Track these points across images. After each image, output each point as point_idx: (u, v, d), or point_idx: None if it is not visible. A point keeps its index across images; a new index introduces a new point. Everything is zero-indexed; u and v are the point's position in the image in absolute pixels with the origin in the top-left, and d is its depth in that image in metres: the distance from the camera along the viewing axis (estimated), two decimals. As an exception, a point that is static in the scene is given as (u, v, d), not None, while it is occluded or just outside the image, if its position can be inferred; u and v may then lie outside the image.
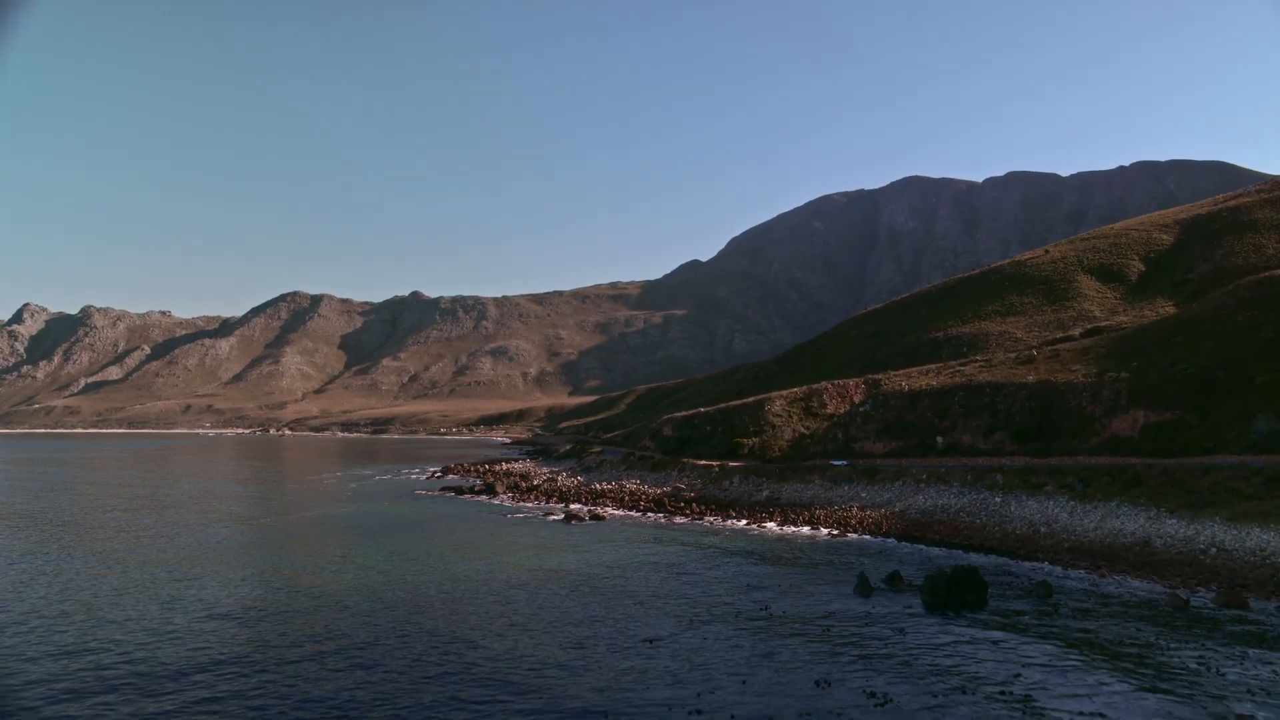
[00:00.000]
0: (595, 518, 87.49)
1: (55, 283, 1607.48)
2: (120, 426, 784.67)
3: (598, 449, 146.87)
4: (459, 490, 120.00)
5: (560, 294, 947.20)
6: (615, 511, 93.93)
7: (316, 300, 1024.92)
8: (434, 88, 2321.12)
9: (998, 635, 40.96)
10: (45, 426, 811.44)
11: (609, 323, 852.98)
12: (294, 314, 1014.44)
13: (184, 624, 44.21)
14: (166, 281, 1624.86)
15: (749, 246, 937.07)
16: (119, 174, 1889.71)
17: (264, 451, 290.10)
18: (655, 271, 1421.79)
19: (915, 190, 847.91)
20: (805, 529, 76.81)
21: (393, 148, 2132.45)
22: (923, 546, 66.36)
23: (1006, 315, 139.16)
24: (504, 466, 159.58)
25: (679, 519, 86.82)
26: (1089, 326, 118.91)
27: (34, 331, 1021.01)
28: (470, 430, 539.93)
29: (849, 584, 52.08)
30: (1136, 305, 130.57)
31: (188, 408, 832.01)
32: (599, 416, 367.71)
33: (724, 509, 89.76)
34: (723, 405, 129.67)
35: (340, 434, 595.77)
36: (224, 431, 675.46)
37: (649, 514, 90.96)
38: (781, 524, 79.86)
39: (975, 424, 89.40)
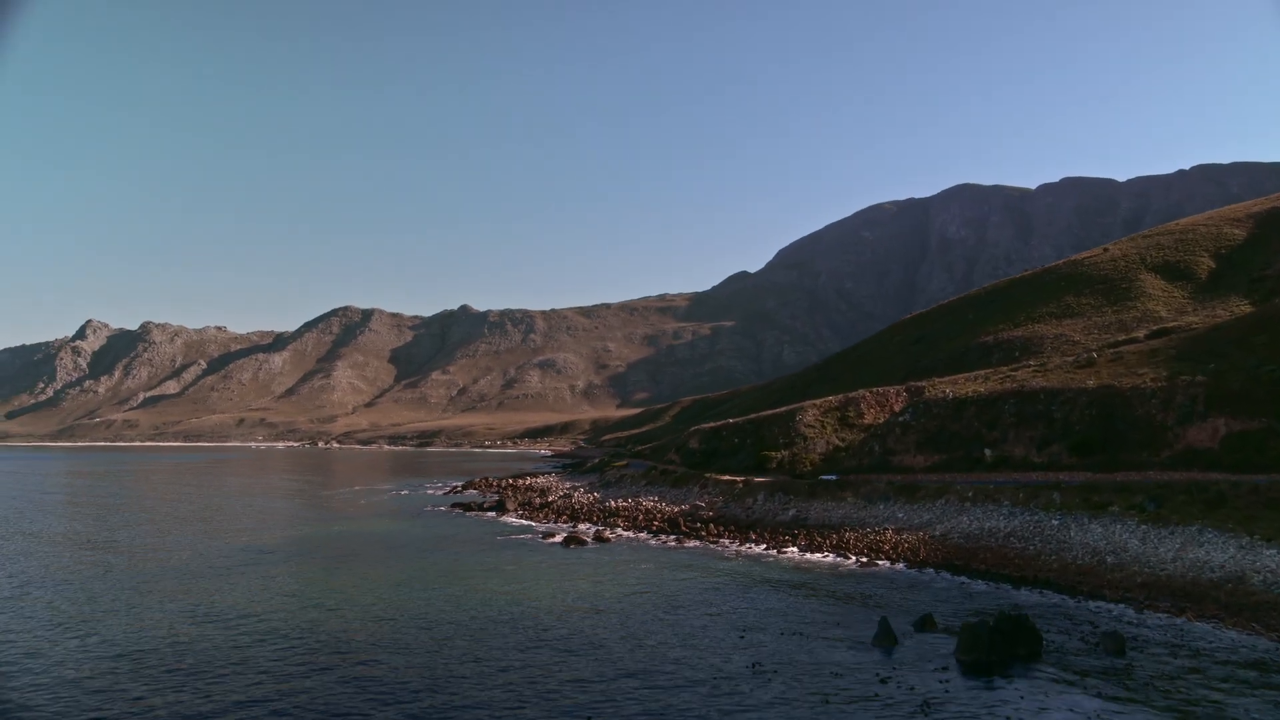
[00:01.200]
0: (600, 540, 78.72)
1: (116, 300, 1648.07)
2: (176, 440, 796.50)
3: (622, 463, 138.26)
4: (469, 507, 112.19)
5: (608, 306, 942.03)
6: (625, 532, 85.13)
7: (367, 314, 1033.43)
8: (482, 104, 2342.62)
9: (1055, 705, 31.30)
10: (105, 439, 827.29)
11: (657, 335, 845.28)
12: (345, 328, 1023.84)
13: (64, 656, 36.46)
14: (223, 297, 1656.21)
15: (797, 257, 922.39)
16: (178, 193, 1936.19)
17: (300, 465, 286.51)
18: (703, 283, 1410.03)
19: (966, 198, 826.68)
20: (830, 556, 67.14)
21: (442, 163, 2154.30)
22: (965, 579, 56.26)
23: (1062, 317, 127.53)
24: (528, 481, 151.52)
25: (691, 542, 77.67)
26: (1155, 328, 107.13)
27: (96, 347, 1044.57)
28: (515, 443, 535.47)
29: (869, 629, 42.58)
30: (1207, 304, 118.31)
31: (241, 421, 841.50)
32: (643, 429, 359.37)
33: (743, 531, 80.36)
34: (752, 416, 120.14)
35: (386, 447, 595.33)
36: (275, 445, 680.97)
37: (660, 536, 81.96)
38: (805, 549, 70.28)
39: (1028, 434, 78.84)
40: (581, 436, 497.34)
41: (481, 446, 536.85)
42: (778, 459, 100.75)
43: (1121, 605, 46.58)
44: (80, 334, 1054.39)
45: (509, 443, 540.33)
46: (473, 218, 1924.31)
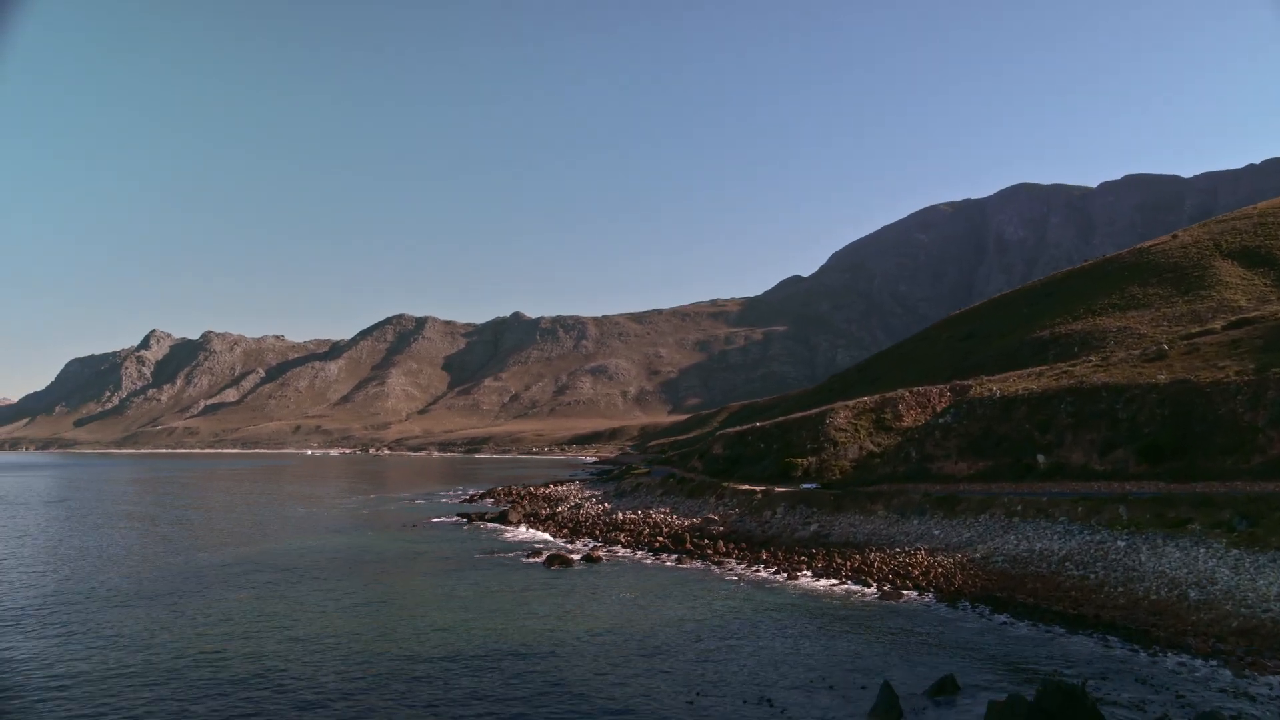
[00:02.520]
0: (589, 560, 68.91)
1: (179, 310, 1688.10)
2: (234, 446, 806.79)
3: (644, 470, 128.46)
4: (472, 517, 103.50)
5: (660, 312, 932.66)
6: (623, 550, 75.31)
7: (421, 322, 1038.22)
8: (534, 113, 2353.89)
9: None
10: (167, 446, 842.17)
11: (709, 340, 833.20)
12: (399, 336, 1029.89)
13: None
14: (281, 307, 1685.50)
15: (851, 260, 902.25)
16: (240, 208, 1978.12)
17: (339, 472, 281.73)
18: (755, 288, 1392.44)
19: (1025, 198, 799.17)
20: (848, 584, 56.42)
21: (495, 172, 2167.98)
22: (1007, 619, 45.09)
23: (1127, 309, 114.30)
24: (546, 490, 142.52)
25: (693, 563, 67.55)
26: (1234, 318, 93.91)
27: (159, 357, 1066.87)
28: (562, 450, 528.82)
29: (867, 694, 32.22)
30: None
31: (297, 428, 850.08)
32: (690, 435, 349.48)
33: (755, 549, 69.95)
34: (780, 419, 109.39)
35: (436, 454, 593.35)
36: (328, 451, 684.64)
37: (661, 554, 71.95)
38: (820, 573, 59.67)
39: (1089, 437, 67.16)
40: (629, 443, 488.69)
41: (529, 453, 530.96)
42: (803, 466, 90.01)
43: (1214, 662, 35.16)
44: (145, 344, 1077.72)
45: (557, 449, 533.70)
46: (525, 225, 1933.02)
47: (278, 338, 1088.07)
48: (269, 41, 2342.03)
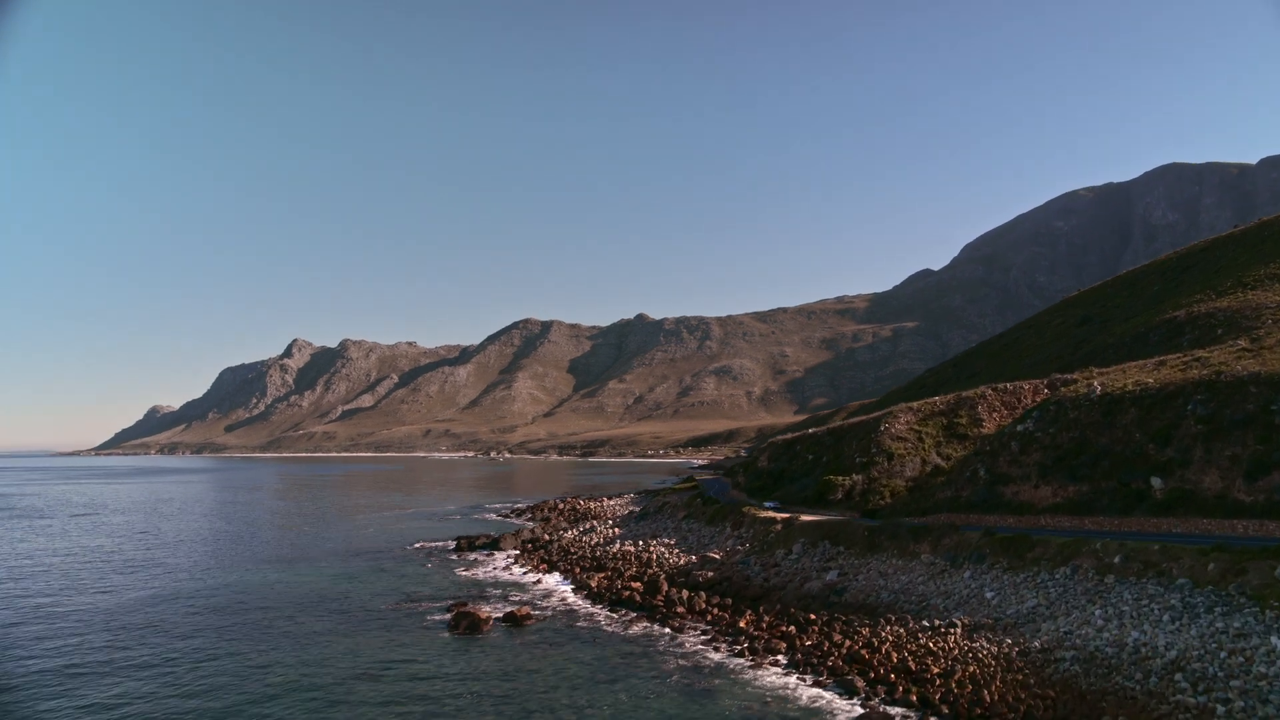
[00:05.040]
0: (511, 621, 51.30)
1: (319, 319, 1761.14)
2: (368, 450, 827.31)
3: (688, 484, 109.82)
4: (463, 545, 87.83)
5: (785, 310, 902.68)
6: (580, 600, 57.88)
7: (547, 326, 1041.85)
8: (657, 116, 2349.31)
9: None
10: (306, 450, 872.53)
11: (835, 338, 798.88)
12: (526, 340, 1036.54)
13: None
14: (413, 313, 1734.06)
15: (984, 252, 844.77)
16: (375, 218, 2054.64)
17: (434, 477, 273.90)
18: (883, 283, 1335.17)
19: (1174, 178, 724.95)
20: (826, 686, 36.63)
21: (619, 175, 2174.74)
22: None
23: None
24: (591, 505, 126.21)
25: (650, 626, 49.53)
26: None
27: (301, 364, 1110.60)
28: (677, 452, 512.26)
29: None
30: None
31: (427, 432, 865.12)
32: (837, 426, 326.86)
33: (739, 608, 50.81)
34: (834, 425, 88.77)
35: (553, 457, 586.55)
36: (454, 455, 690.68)
37: (620, 609, 54.17)
38: (796, 664, 40.11)
39: (1229, 453, 44.77)
40: (746, 445, 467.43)
41: (644, 456, 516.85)
42: (845, 487, 69.50)
43: None
44: (287, 352, 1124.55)
45: (671, 452, 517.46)
46: (649, 227, 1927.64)
47: (410, 344, 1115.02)
48: (404, 56, 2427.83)
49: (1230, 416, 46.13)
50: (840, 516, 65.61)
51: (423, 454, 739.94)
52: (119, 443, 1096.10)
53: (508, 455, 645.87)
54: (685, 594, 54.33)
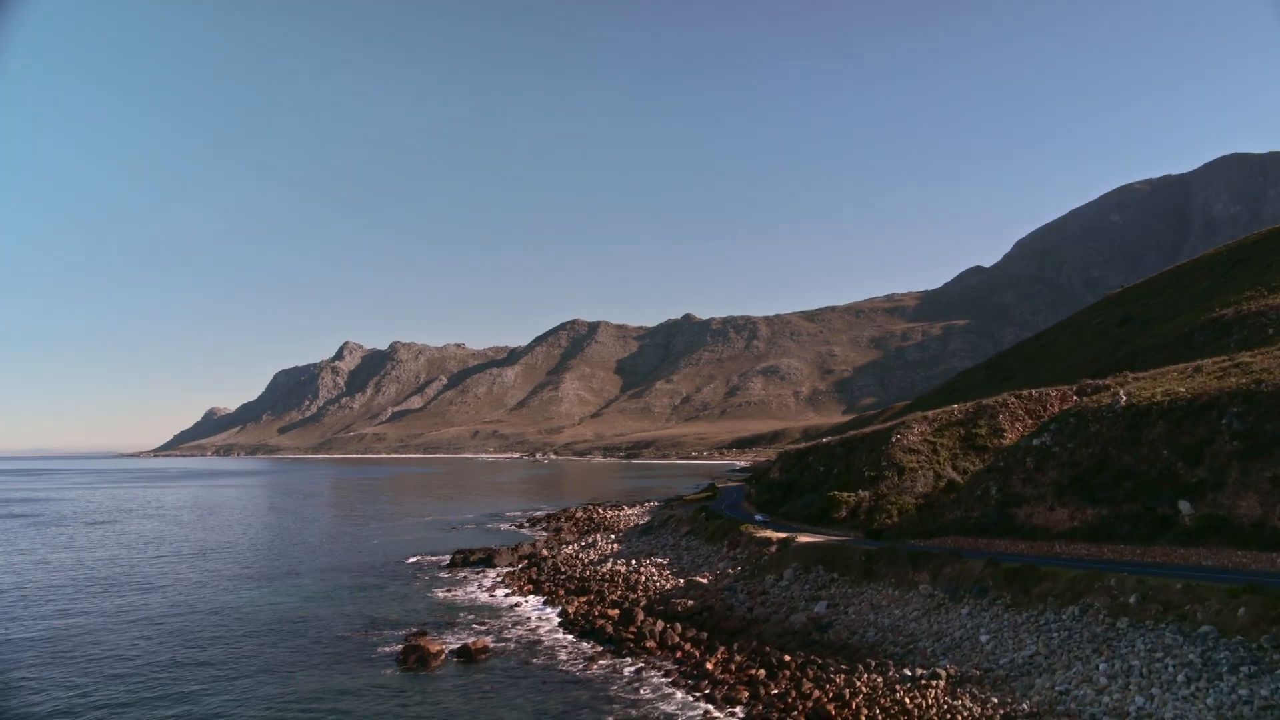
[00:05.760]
0: (466, 656, 47.04)
1: (369, 322, 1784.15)
2: (417, 451, 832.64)
3: (704, 493, 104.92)
4: (456, 561, 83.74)
5: (833, 309, 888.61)
6: (546, 629, 53.52)
7: (594, 327, 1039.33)
8: (700, 115, 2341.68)
9: None
10: (357, 451, 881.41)
11: (884, 337, 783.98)
12: (573, 341, 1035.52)
13: None
14: (461, 315, 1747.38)
15: (1036, 248, 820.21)
16: (421, 221, 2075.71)
17: (467, 481, 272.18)
18: (933, 281, 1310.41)
19: (1236, 169, 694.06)
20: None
21: (664, 175, 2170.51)
22: None
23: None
24: (614, 512, 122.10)
25: (613, 662, 44.75)
26: None
27: (352, 367, 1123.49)
28: (722, 454, 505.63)
29: None
30: None
31: (475, 433, 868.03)
32: (850, 435, 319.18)
33: (712, 643, 45.84)
34: (848, 435, 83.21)
35: (598, 459, 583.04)
36: (500, 456, 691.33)
37: (587, 640, 49.99)
38: (756, 718, 35.18)
39: (1268, 474, 38.67)
40: (790, 446, 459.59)
41: (688, 457, 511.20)
42: (849, 504, 64.13)
43: None
44: (339, 355, 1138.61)
45: (715, 453, 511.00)
46: (696, 227, 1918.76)
47: (459, 346, 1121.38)
48: (457, 60, 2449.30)
49: (1271, 432, 40.06)
50: (842, 537, 60.35)
51: (470, 455, 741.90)
52: (177, 444, 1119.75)
53: (553, 457, 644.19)
54: (659, 625, 49.50)
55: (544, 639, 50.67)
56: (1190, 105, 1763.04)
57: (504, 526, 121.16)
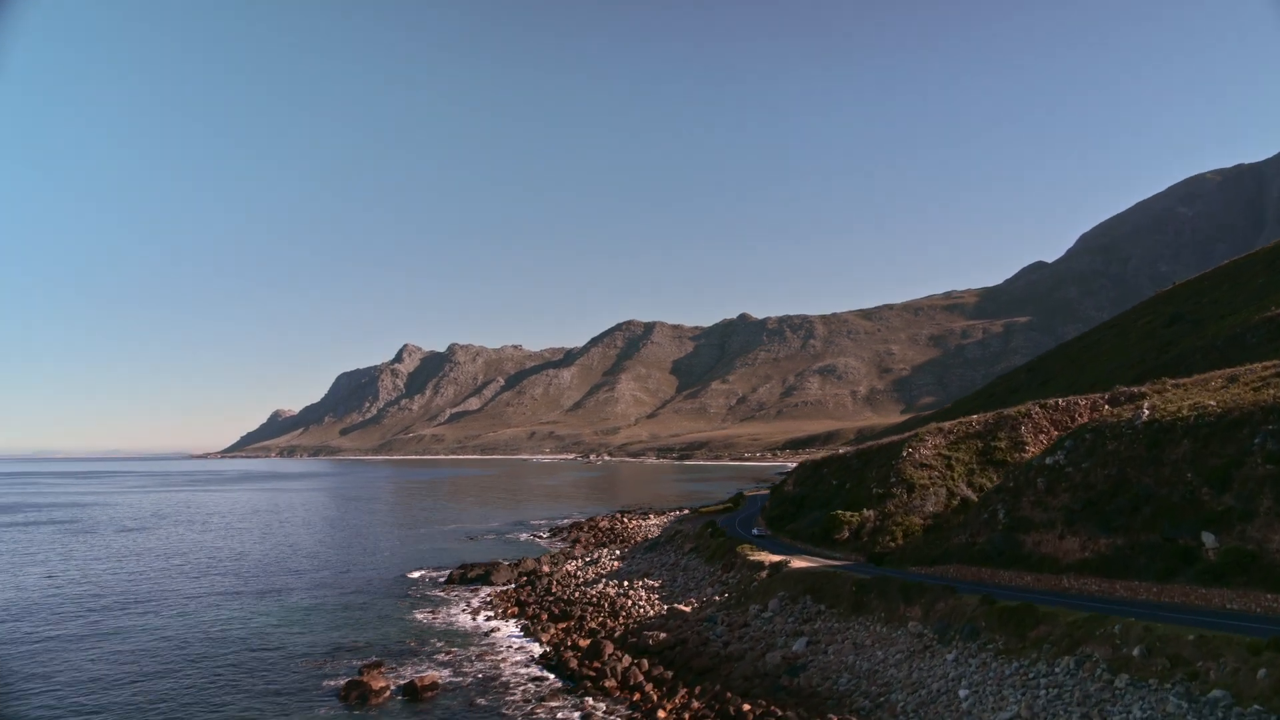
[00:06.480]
0: (411, 694, 43.51)
1: (429, 324, 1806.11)
2: (474, 452, 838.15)
3: (720, 506, 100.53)
4: (454, 577, 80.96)
5: (890, 307, 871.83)
6: (510, 664, 49.69)
7: (649, 327, 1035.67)
8: (757, 118, 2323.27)
9: None
10: (416, 452, 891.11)
11: (943, 335, 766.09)
12: (629, 341, 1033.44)
13: None
14: (519, 316, 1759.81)
15: (1101, 242, 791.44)
16: (479, 225, 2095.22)
17: (512, 484, 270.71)
18: (993, 277, 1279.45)
19: None
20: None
21: (720, 175, 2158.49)
22: None
23: None
24: (637, 521, 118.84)
25: (557, 703, 41.29)
26: None
27: (411, 369, 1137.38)
28: (774, 455, 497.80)
29: None
30: None
31: (532, 434, 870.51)
32: (866, 446, 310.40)
33: (674, 686, 41.62)
34: (866, 445, 78.16)
35: (651, 460, 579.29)
36: (555, 458, 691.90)
37: (548, 677, 46.19)
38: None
39: (1301, 510, 33.30)
40: (844, 447, 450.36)
41: (740, 458, 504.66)
42: (852, 525, 59.22)
43: None
44: (398, 357, 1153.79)
45: (768, 455, 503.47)
46: (752, 226, 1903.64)
47: (515, 347, 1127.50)
48: (514, 69, 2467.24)
49: (1305, 455, 34.52)
50: (841, 560, 55.63)
51: (526, 456, 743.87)
52: (243, 446, 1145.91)
53: (606, 458, 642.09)
54: (626, 661, 45.41)
55: (504, 673, 47.00)
56: (1264, 93, 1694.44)
57: (524, 536, 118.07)
